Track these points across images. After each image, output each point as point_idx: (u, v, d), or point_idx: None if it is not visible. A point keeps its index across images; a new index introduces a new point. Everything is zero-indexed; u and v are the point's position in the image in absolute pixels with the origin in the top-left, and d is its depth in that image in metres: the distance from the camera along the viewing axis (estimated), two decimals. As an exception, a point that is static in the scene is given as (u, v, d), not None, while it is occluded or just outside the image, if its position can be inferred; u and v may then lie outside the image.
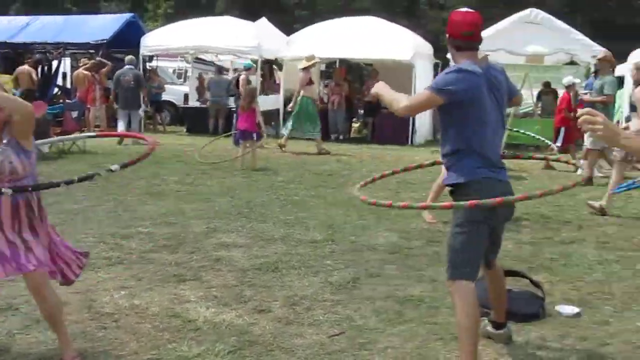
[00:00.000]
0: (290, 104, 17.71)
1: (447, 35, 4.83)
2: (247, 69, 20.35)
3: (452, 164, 4.77)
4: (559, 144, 15.72)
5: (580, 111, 3.14)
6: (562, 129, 16.17)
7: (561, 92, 21.45)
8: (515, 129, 11.90)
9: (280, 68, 23.60)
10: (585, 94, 15.29)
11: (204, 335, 5.33)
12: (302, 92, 17.44)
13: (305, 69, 17.49)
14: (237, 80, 20.07)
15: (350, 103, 22.66)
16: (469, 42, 4.78)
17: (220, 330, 5.43)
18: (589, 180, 12.71)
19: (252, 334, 5.39)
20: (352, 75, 25.37)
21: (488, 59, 5.28)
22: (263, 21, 24.43)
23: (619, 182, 10.75)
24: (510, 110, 16.08)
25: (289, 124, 17.75)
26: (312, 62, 17.81)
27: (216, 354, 4.98)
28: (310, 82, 17.78)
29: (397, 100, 4.75)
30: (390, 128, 20.36)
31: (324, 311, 5.94)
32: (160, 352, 5.00)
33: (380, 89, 5.01)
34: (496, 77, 4.80)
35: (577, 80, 17.67)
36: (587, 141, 13.03)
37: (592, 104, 12.82)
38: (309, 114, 17.51)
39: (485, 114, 4.68)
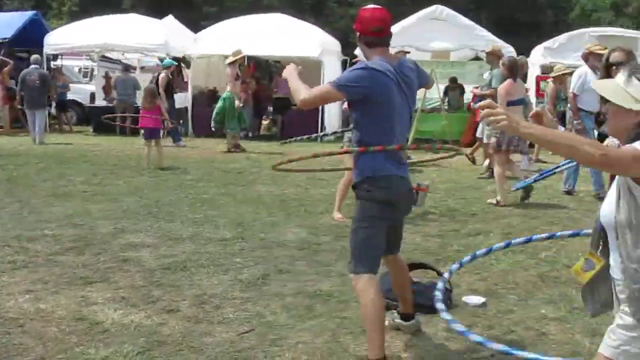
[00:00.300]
0: (236, 102, 17.24)
1: (357, 32, 4.88)
2: (167, 67, 19.98)
3: (362, 158, 4.82)
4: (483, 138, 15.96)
5: (480, 104, 3.20)
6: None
7: (468, 88, 21.89)
8: None
9: (188, 66, 23.40)
10: (476, 87, 15.62)
11: (112, 337, 5.26)
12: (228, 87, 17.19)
13: (232, 64, 17.28)
14: (157, 80, 19.63)
15: (259, 100, 22.59)
16: (379, 38, 4.84)
17: (128, 332, 5.37)
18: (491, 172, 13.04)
19: (161, 334, 5.35)
20: (260, 73, 25.33)
21: (404, 56, 5.35)
22: (170, 18, 24.21)
23: (503, 174, 11.04)
24: (417, 105, 16.31)
25: (213, 120, 17.46)
26: (239, 56, 17.56)
27: (125, 355, 4.92)
28: (237, 77, 17.60)
29: (298, 92, 4.78)
30: (300, 125, 20.38)
31: (234, 309, 5.93)
32: (68, 356, 4.92)
33: (288, 73, 5.01)
34: (407, 76, 4.87)
35: None
36: (483, 135, 13.30)
37: (482, 98, 13.07)
38: (233, 110, 17.20)
39: (394, 111, 4.75)
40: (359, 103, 4.71)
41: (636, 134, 3.15)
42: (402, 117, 4.83)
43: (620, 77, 3.23)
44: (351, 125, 5.06)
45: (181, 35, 23.09)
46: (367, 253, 4.76)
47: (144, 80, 21.32)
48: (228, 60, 17.49)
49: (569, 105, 12.16)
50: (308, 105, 4.88)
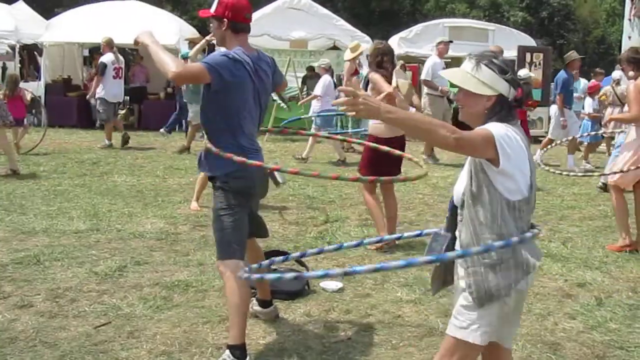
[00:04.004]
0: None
1: (227, 19, 4.75)
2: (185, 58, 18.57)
3: (214, 155, 4.78)
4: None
5: (341, 88, 3.22)
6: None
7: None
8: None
9: (40, 53, 22.63)
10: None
11: (-39, 336, 5.07)
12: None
13: (352, 60, 16.03)
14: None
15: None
16: (248, 24, 4.86)
17: (-22, 330, 5.19)
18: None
19: (13, 330, 5.19)
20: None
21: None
22: (21, 4, 23.30)
23: None
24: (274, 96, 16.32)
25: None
26: (359, 52, 16.26)
27: (-27, 354, 4.75)
28: (355, 73, 16.44)
29: (166, 63, 4.53)
30: (158, 115, 20.09)
31: (90, 302, 5.82)
32: None
33: (151, 41, 4.74)
34: (264, 71, 4.89)
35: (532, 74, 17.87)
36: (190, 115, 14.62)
37: None
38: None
39: (248, 102, 4.78)
40: (219, 91, 4.66)
41: (488, 118, 3.29)
42: (252, 105, 4.83)
43: (468, 64, 3.37)
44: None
45: (33, 22, 22.24)
46: (231, 239, 4.77)
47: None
48: (347, 57, 16.21)
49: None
50: (181, 79, 4.71)
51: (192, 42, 15.35)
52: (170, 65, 4.50)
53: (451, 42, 15.33)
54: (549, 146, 10.05)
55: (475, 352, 3.43)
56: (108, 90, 16.18)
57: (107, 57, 16.39)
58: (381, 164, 7.53)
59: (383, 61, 7.87)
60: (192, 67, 4.72)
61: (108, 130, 16.25)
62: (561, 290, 6.46)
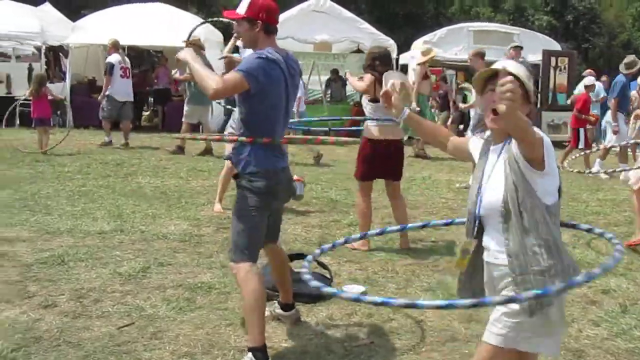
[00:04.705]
0: (413, 104, 16.14)
1: (261, 20, 4.77)
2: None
3: (245, 151, 4.81)
4: (582, 145, 15.15)
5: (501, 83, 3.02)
6: (582, 131, 15.37)
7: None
8: None
9: (66, 55, 22.78)
10: None
11: (-15, 334, 5.10)
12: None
13: (422, 64, 16.04)
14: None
15: (140, 91, 22.09)
16: (276, 26, 4.90)
17: (3, 329, 5.21)
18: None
19: (37, 330, 5.22)
20: (141, 63, 24.85)
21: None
22: (47, 6, 23.47)
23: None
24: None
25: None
26: (430, 56, 16.24)
27: (-1, 352, 4.78)
28: (426, 77, 16.26)
29: (205, 80, 4.57)
30: (182, 116, 20.12)
31: (113, 302, 5.84)
32: (-63, 355, 4.74)
33: (191, 57, 4.79)
34: (293, 68, 4.93)
35: (598, 83, 17.40)
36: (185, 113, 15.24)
37: None
38: (423, 114, 15.92)
39: (280, 102, 4.81)
40: (253, 96, 4.67)
41: None
42: (283, 105, 4.86)
43: (522, 70, 3.33)
44: None
45: (59, 24, 22.39)
46: (247, 242, 4.80)
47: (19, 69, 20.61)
48: (419, 61, 16.27)
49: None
50: (221, 96, 4.86)
51: (191, 45, 15.44)
52: (210, 83, 4.54)
53: (521, 47, 14.94)
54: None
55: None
56: (116, 88, 16.63)
57: (114, 57, 16.84)
58: (376, 163, 7.81)
59: (374, 65, 8.05)
60: (230, 80, 4.63)
61: (106, 127, 16.63)
62: (585, 297, 6.41)
